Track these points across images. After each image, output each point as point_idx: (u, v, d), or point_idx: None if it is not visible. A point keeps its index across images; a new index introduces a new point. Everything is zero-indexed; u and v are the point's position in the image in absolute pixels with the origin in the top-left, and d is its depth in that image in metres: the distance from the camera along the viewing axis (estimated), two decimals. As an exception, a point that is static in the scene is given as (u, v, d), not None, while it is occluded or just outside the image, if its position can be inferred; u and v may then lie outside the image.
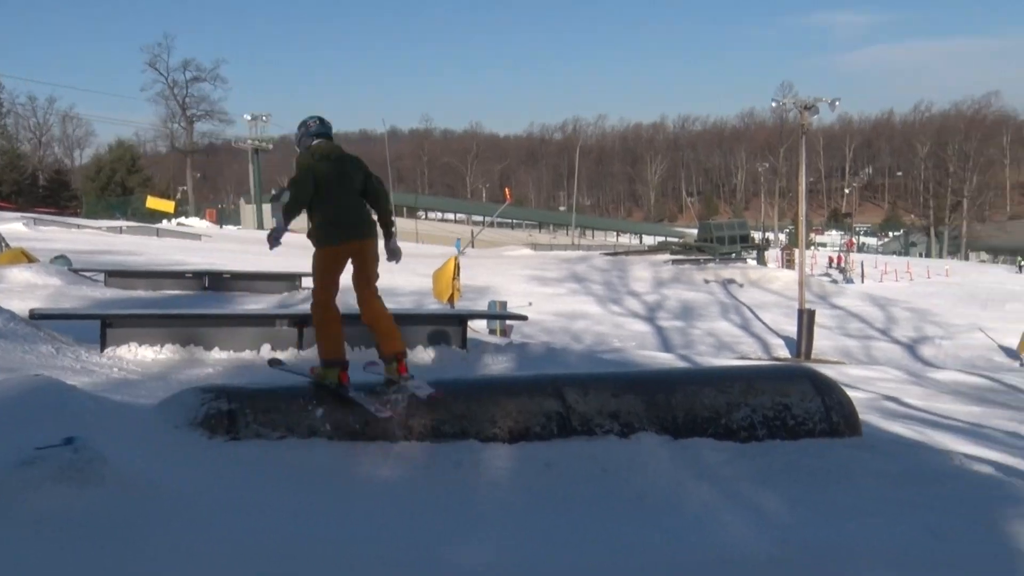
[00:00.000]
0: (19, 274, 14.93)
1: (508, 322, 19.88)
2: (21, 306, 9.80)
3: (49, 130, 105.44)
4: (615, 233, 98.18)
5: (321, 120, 5.77)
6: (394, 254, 5.87)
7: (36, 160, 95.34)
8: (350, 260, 5.55)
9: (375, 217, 5.79)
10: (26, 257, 18.36)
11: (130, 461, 4.07)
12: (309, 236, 5.60)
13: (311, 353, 8.85)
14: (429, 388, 5.38)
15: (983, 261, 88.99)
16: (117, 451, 4.05)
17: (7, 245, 20.72)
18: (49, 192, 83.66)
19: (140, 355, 8.34)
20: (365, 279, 5.61)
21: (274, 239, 5.53)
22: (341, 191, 5.51)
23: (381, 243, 5.71)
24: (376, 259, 5.63)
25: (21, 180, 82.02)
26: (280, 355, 8.31)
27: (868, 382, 12.52)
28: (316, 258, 5.56)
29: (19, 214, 50.93)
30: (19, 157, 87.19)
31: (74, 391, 5.05)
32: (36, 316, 8.52)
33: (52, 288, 14.27)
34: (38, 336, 8.22)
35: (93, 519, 3.42)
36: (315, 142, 5.62)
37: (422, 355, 9.23)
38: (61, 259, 20.07)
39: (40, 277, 14.97)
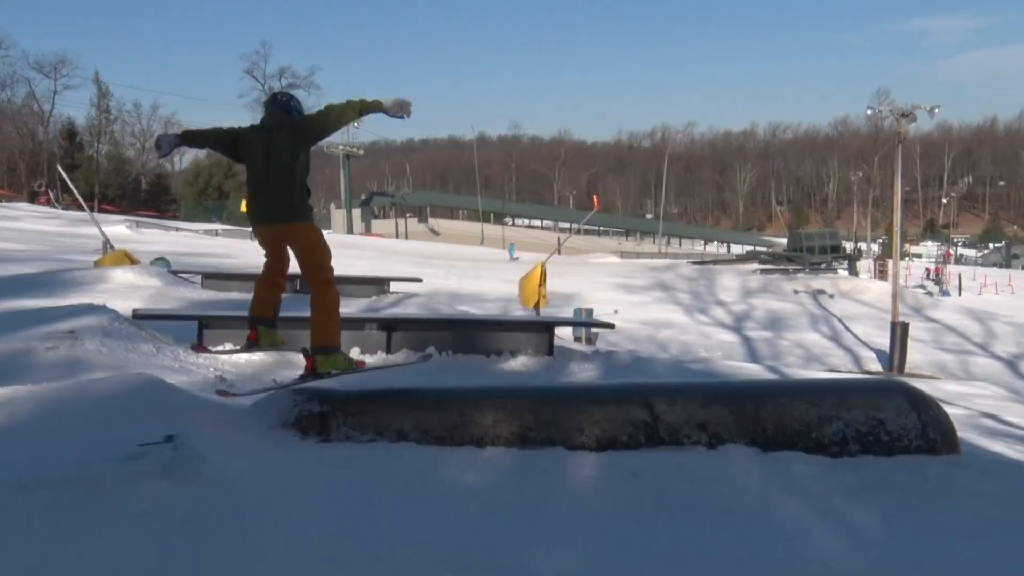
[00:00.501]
0: (123, 275, 15.42)
1: (594, 330, 19.84)
2: (124, 306, 10.15)
3: (152, 135, 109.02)
4: (703, 242, 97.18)
5: (274, 95, 5.71)
6: (394, 116, 5.48)
7: (139, 165, 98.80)
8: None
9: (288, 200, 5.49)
10: (129, 259, 18.97)
11: (225, 459, 4.18)
12: (294, 212, 5.53)
13: (399, 357, 8.97)
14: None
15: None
16: (213, 449, 4.17)
17: (112, 247, 21.45)
18: (150, 196, 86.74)
19: (235, 356, 8.56)
20: (301, 266, 5.55)
21: (159, 138, 5.54)
22: (251, 172, 5.45)
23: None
24: (303, 246, 5.52)
25: (125, 184, 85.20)
26: (369, 359, 8.44)
27: (965, 398, 12.12)
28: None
29: (122, 217, 52.89)
30: (124, 162, 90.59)
31: (174, 389, 5.22)
32: (139, 316, 8.82)
33: (152, 289, 14.71)
34: (140, 335, 8.50)
35: (191, 515, 3.53)
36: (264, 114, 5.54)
37: (509, 361, 9.26)
38: (161, 261, 20.70)
39: (142, 278, 15.44)
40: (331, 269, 5.58)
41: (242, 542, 3.40)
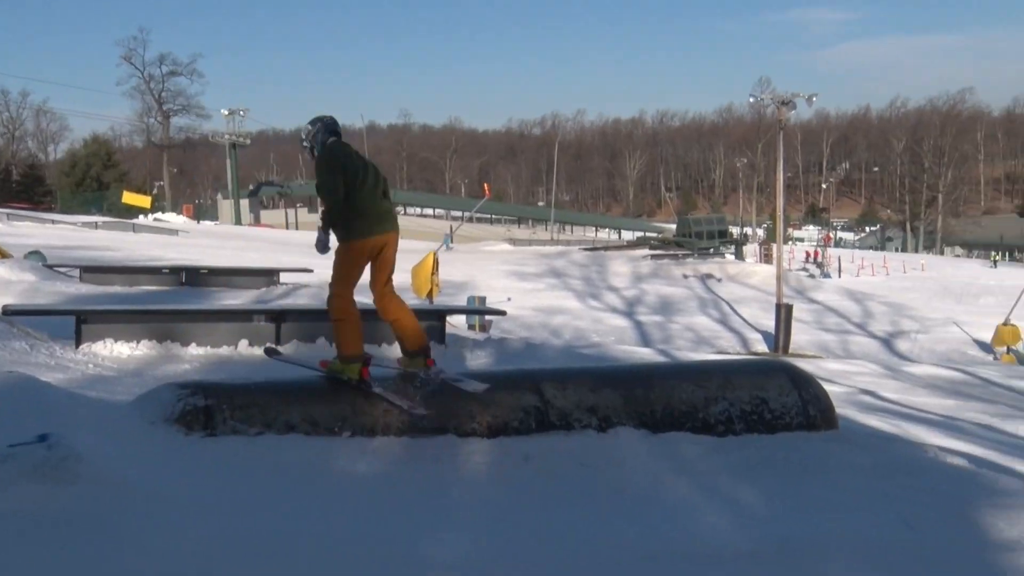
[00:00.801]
0: (-8, 270, 14.77)
1: (487, 317, 19.87)
2: (-6, 302, 9.69)
3: (22, 124, 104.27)
4: (594, 228, 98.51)
5: (334, 120, 5.78)
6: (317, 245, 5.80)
7: (9, 155, 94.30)
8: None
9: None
10: (-1, 253, 18.17)
11: (105, 458, 4.03)
12: (329, 230, 5.56)
13: (289, 349, 8.82)
14: (481, 385, 5.43)
15: (958, 256, 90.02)
16: (92, 448, 4.02)
17: (-20, 241, 20.48)
18: (23, 187, 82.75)
19: (116, 351, 8.28)
20: (387, 274, 5.66)
21: (322, 245, 5.60)
22: (368, 185, 5.51)
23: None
24: (395, 253, 5.68)
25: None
26: (257, 351, 8.29)
27: (845, 376, 12.59)
28: (341, 252, 5.52)
29: (-8, 209, 50.41)
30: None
31: (48, 387, 5.00)
32: (9, 312, 8.44)
33: (26, 284, 14.13)
34: (11, 333, 8.15)
35: (67, 517, 3.39)
36: (331, 140, 5.58)
37: (399, 351, 9.21)
38: (35, 255, 19.87)
39: (14, 273, 14.82)
40: (344, 282, 5.57)
41: (123, 542, 3.28)
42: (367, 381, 5.35)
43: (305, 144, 5.68)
